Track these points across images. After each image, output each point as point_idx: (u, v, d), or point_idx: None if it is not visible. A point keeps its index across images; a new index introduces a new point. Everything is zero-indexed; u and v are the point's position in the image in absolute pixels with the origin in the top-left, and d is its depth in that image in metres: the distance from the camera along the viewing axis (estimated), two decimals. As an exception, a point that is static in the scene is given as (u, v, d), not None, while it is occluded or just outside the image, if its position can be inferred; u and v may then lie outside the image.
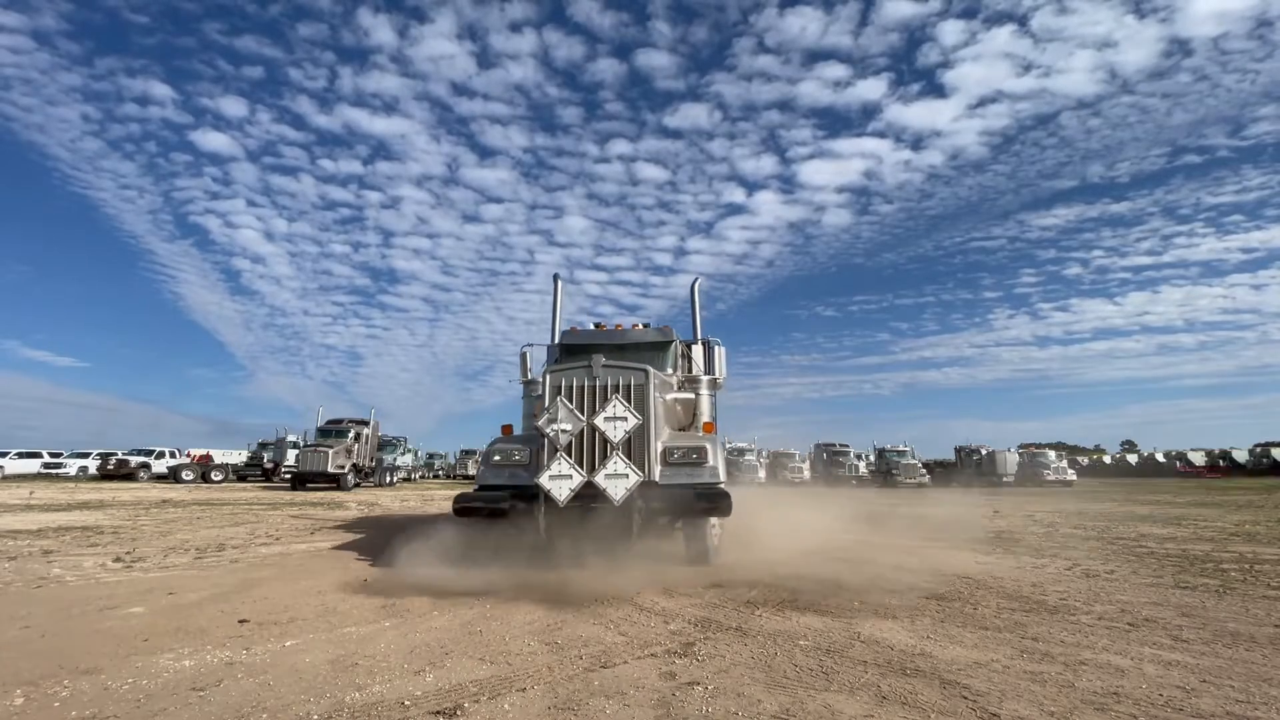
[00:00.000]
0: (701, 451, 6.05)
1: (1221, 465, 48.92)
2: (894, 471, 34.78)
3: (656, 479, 5.89)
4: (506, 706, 2.71)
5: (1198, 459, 51.22)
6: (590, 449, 5.91)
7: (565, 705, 2.72)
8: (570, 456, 5.81)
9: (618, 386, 6.12)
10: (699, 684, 2.99)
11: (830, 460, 38.19)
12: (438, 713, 2.63)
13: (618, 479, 5.65)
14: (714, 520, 6.36)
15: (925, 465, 37.87)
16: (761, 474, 34.89)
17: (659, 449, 6.08)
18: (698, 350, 8.44)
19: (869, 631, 3.92)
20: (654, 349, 8.04)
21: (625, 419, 5.86)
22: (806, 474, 37.56)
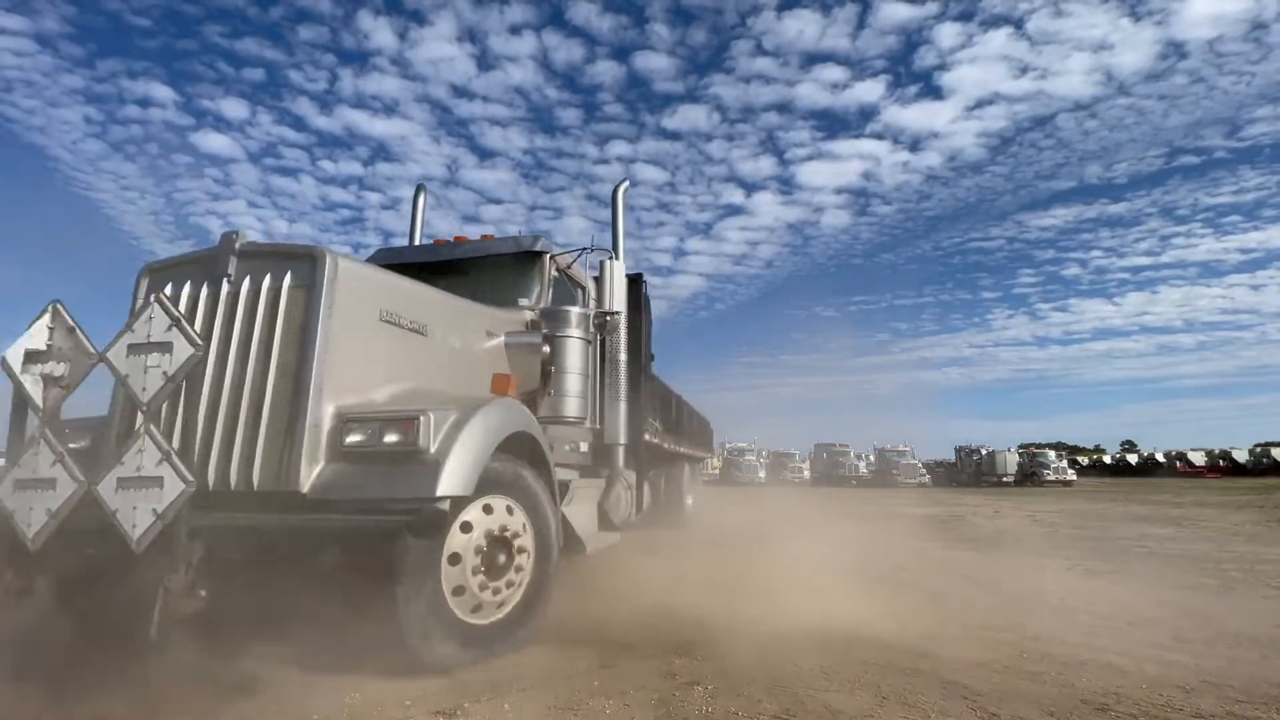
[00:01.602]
0: (408, 427, 2.91)
1: (1221, 465, 48.92)
2: (894, 471, 34.80)
3: (302, 487, 2.89)
4: (506, 706, 2.71)
5: (1198, 459, 51.21)
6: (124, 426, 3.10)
7: (565, 705, 2.72)
8: (58, 443, 2.67)
9: (258, 292, 3.17)
10: (699, 683, 2.99)
11: (830, 460, 38.21)
12: (438, 713, 2.63)
13: (141, 490, 2.52)
14: (521, 556, 3.34)
15: (925, 465, 37.87)
16: (762, 474, 34.93)
17: (326, 422, 3.01)
18: (594, 273, 5.51)
19: (869, 631, 3.92)
20: (508, 268, 5.10)
21: (168, 347, 2.62)
22: (806, 474, 37.61)
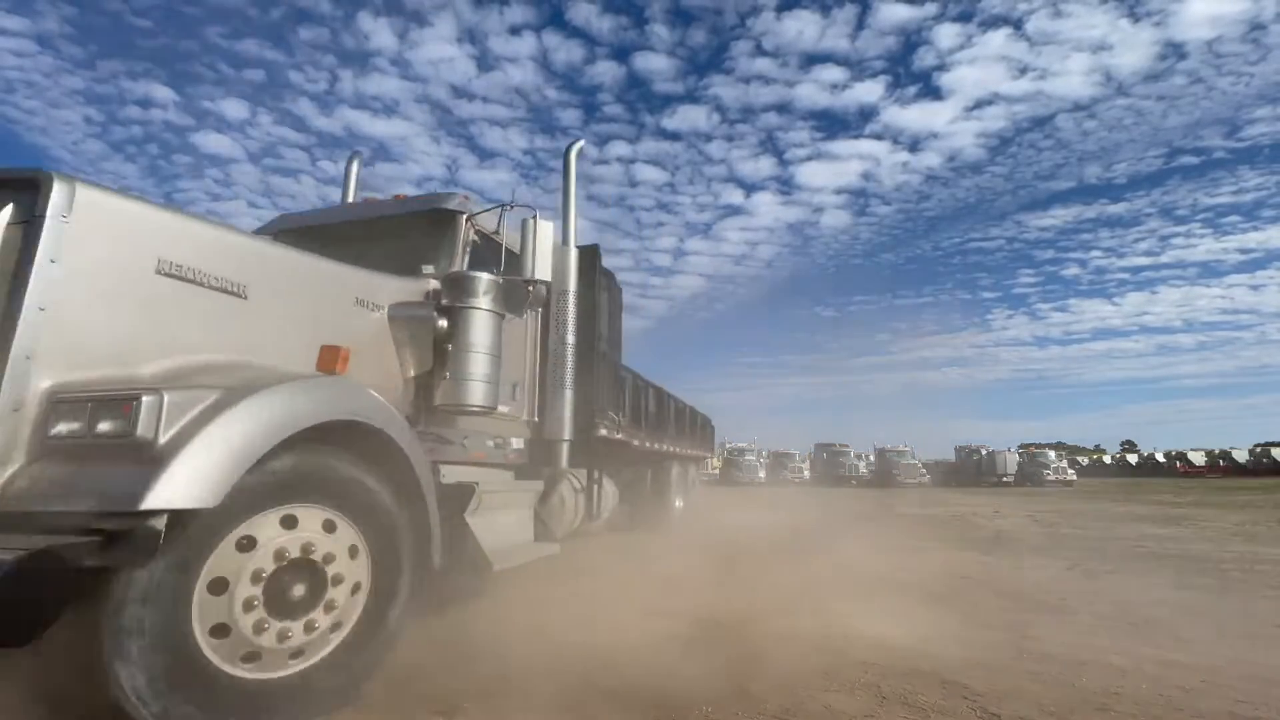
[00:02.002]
0: (125, 411, 2.14)
1: (1221, 465, 48.93)
2: (894, 471, 34.80)
3: None
4: (508, 706, 2.71)
5: (1198, 459, 51.21)
6: None
7: (567, 705, 2.72)
8: None
9: None
10: (700, 684, 2.99)
11: (830, 460, 38.20)
12: (438, 713, 2.63)
13: None
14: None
15: (925, 465, 37.88)
16: (762, 474, 34.92)
17: (33, 404, 2.25)
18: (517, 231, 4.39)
19: (869, 631, 3.92)
20: (417, 231, 4.33)
21: None
22: (806, 474, 37.62)
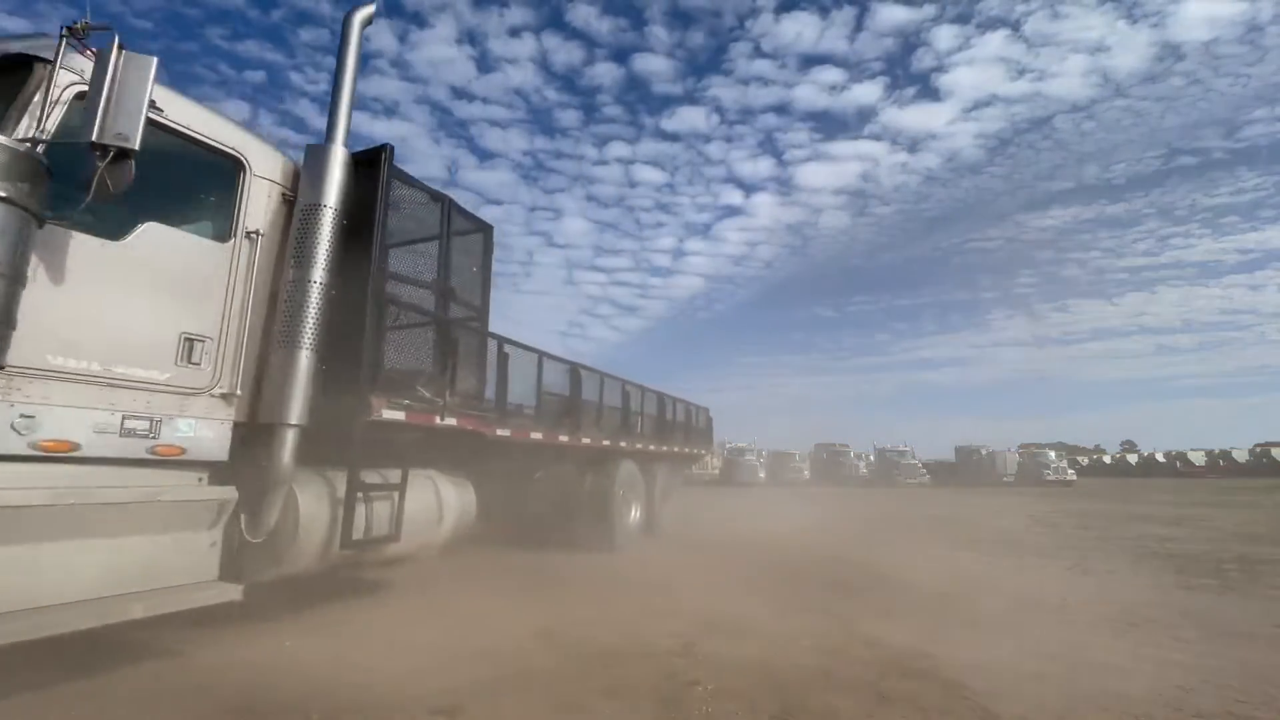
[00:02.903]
0: None
1: (1221, 465, 48.90)
2: (894, 471, 34.80)
3: None
4: (508, 705, 2.71)
5: (1198, 459, 51.18)
6: None
7: (567, 703, 2.72)
8: None
9: None
10: (699, 683, 2.99)
11: (830, 460, 38.20)
12: (438, 711, 2.63)
13: None
14: None
15: (925, 465, 37.89)
16: (762, 474, 34.88)
17: None
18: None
19: (869, 631, 3.92)
20: None
21: None
22: (806, 474, 37.61)
